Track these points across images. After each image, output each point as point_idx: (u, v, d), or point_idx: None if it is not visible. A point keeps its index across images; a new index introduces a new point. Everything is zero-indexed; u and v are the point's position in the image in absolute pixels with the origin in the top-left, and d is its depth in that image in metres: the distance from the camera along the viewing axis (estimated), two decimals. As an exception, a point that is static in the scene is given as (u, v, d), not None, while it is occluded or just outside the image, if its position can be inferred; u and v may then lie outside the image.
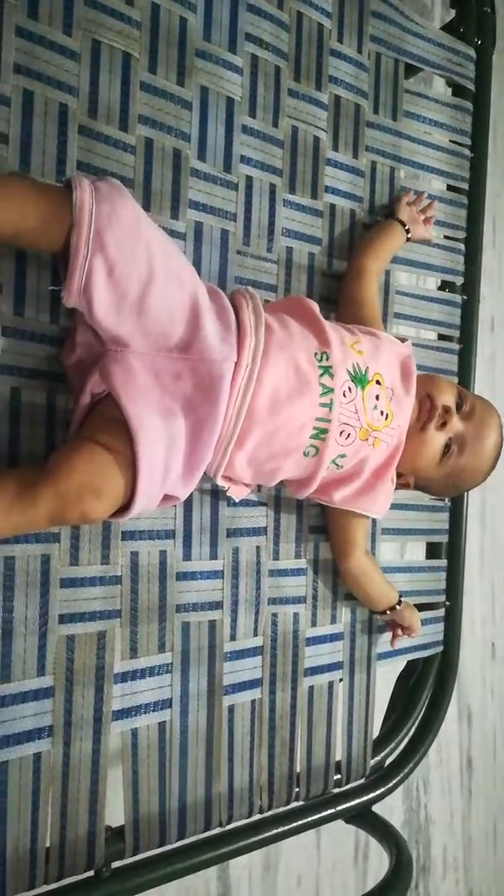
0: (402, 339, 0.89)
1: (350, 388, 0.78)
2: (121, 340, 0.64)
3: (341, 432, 0.77)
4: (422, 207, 1.03)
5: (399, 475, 0.88)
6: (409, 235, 0.99)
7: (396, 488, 0.88)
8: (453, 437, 0.85)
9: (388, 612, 0.95)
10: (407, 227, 0.99)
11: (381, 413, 0.80)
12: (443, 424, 0.84)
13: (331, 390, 0.75)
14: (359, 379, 0.79)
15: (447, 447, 0.85)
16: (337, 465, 0.80)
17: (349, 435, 0.78)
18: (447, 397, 0.86)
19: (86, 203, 0.60)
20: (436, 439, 0.85)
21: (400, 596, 0.95)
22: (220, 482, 0.76)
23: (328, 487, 0.83)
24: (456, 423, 0.85)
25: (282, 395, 0.73)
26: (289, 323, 0.77)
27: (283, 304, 0.83)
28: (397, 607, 0.94)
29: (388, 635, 0.99)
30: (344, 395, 0.77)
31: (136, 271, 0.62)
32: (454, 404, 0.86)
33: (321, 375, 0.75)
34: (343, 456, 0.79)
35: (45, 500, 0.58)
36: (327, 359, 0.76)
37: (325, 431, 0.76)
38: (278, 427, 0.74)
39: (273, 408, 0.72)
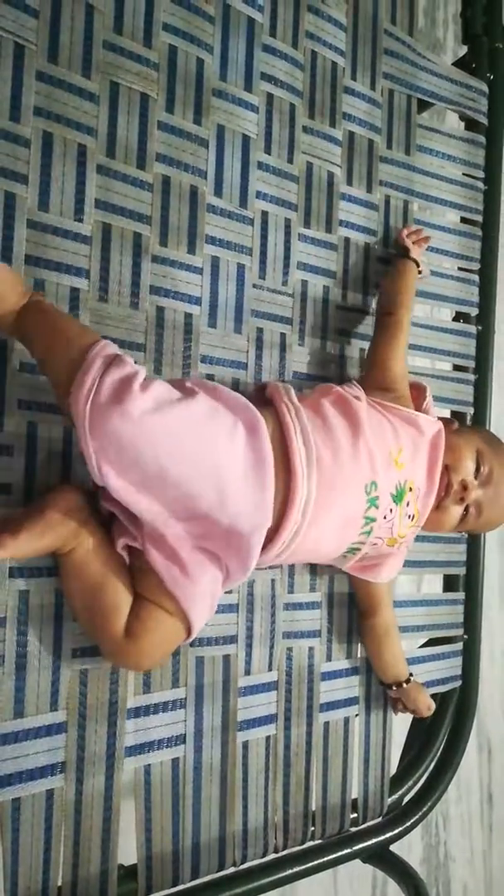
0: (421, 391, 0.89)
1: (391, 510, 0.77)
2: (150, 516, 0.63)
3: (372, 544, 0.79)
4: (420, 238, 1.00)
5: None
6: (420, 270, 0.98)
7: None
8: (471, 504, 0.83)
9: (395, 689, 0.92)
10: (417, 263, 0.97)
11: (410, 517, 0.80)
12: (461, 500, 0.82)
13: (373, 520, 0.76)
14: (398, 497, 0.78)
15: (465, 511, 0.84)
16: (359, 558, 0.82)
17: (376, 544, 0.80)
18: (467, 465, 0.82)
19: (80, 406, 0.58)
20: (453, 511, 0.84)
21: (410, 674, 0.93)
22: None
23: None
24: (474, 492, 0.83)
25: (325, 539, 0.74)
26: (338, 437, 0.73)
27: (328, 399, 0.78)
28: (404, 685, 0.92)
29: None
30: (385, 517, 0.77)
31: (143, 473, 0.60)
32: (473, 471, 0.83)
33: (367, 509, 0.75)
34: (367, 554, 0.81)
35: (129, 657, 0.66)
36: (376, 489, 0.75)
37: (357, 549, 0.79)
38: (312, 558, 0.78)
39: (313, 550, 0.75)
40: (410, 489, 0.79)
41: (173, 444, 0.60)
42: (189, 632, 0.68)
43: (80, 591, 0.66)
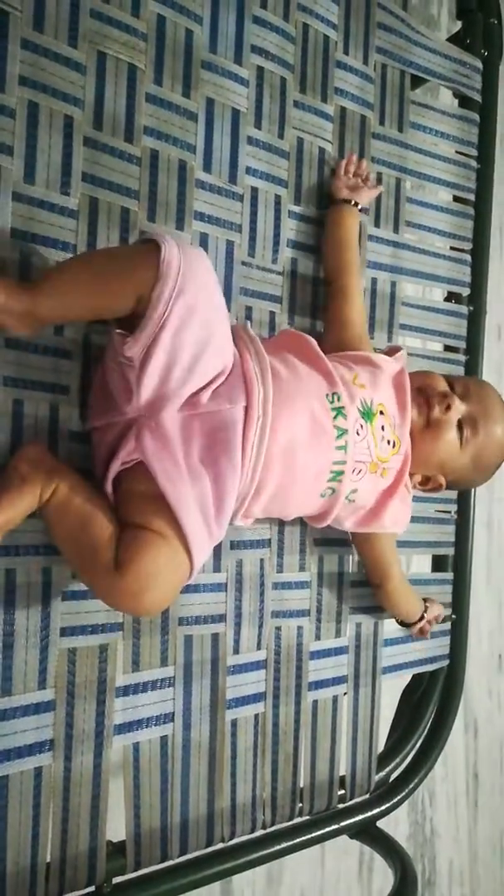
0: (395, 349, 0.88)
1: (362, 426, 0.78)
2: (156, 402, 0.63)
3: (354, 469, 0.78)
4: (354, 171, 0.94)
5: (427, 479, 0.87)
6: (359, 206, 0.93)
7: (429, 491, 0.90)
8: (462, 419, 0.85)
9: (419, 623, 0.98)
10: (353, 202, 0.92)
11: (389, 442, 0.80)
12: (447, 408, 0.84)
13: (345, 431, 0.75)
14: (367, 414, 0.78)
15: (460, 431, 0.85)
16: (349, 499, 0.80)
17: (360, 471, 0.79)
18: (438, 383, 0.86)
19: (174, 260, 0.60)
20: (447, 426, 0.84)
21: (425, 602, 0.99)
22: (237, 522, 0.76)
23: (340, 517, 0.83)
24: (459, 405, 0.85)
25: (298, 445, 0.72)
26: (294, 363, 0.76)
27: (282, 342, 0.80)
28: (425, 615, 0.98)
29: (393, 649, 0.99)
30: (357, 433, 0.77)
31: (196, 335, 0.63)
32: (447, 387, 0.86)
33: (335, 417, 0.75)
34: (355, 491, 0.80)
35: (123, 591, 0.62)
36: (339, 399, 0.76)
37: (341, 473, 0.77)
38: (296, 478, 0.74)
39: (289, 459, 0.72)
40: (382, 412, 0.80)
41: (218, 302, 0.66)
42: (189, 555, 0.64)
43: (67, 535, 0.64)
